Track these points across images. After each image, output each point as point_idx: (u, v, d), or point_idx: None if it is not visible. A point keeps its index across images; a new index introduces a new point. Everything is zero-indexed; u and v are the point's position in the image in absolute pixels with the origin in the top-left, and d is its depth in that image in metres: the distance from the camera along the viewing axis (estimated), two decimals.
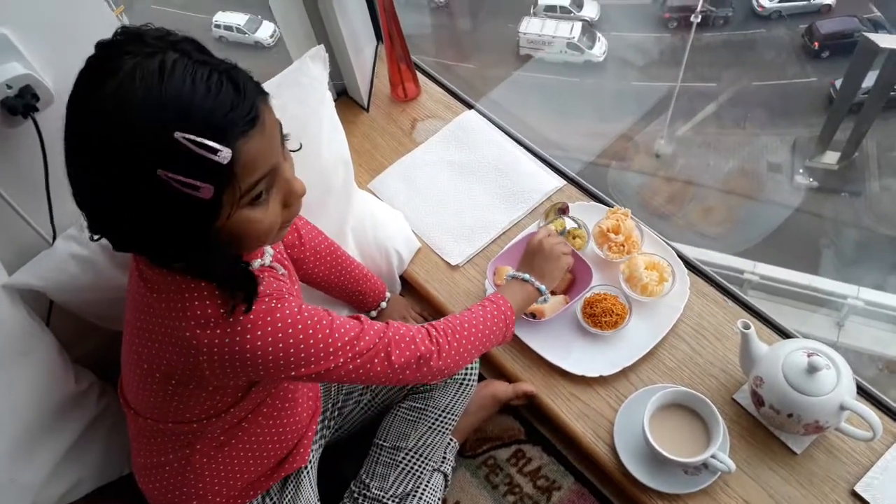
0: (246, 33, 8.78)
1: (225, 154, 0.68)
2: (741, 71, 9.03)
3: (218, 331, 0.80)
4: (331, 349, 0.87)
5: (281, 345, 0.83)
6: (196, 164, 0.68)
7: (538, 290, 1.16)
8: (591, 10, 9.68)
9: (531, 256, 1.19)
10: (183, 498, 1.02)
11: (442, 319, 1.02)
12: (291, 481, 1.11)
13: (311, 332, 0.85)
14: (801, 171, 8.12)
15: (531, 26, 9.35)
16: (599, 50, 9.31)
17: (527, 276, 1.16)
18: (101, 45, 0.73)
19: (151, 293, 0.83)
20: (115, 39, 0.72)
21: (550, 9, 9.67)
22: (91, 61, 0.72)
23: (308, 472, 1.15)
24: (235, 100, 0.70)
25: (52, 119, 1.04)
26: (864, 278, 6.59)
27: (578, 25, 9.29)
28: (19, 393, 1.12)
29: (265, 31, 8.77)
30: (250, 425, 0.99)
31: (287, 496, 1.10)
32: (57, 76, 1.04)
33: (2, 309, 1.08)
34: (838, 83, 8.27)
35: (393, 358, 0.92)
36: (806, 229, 7.59)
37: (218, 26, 8.84)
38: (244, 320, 0.81)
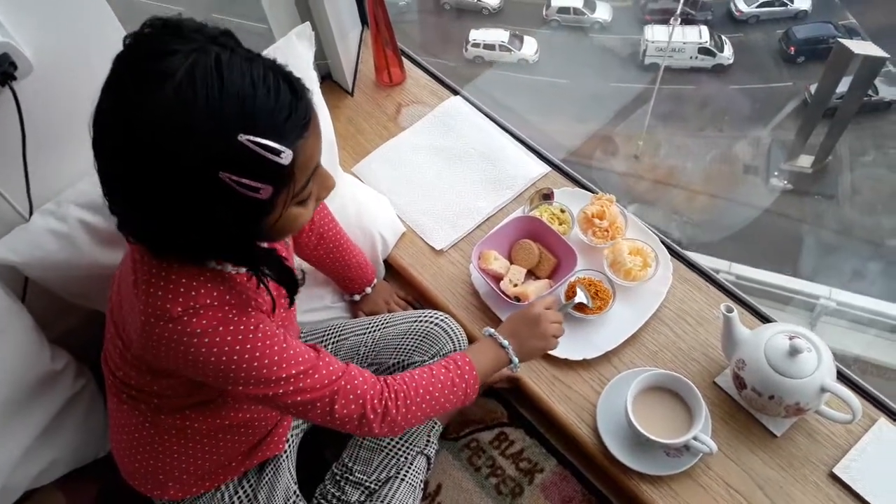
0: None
1: (287, 155, 0.69)
2: (719, 74, 9.15)
3: (178, 327, 0.79)
4: (273, 377, 0.83)
5: (224, 357, 0.80)
6: (257, 165, 0.68)
7: (510, 361, 1.05)
8: (603, 12, 9.77)
9: (522, 324, 1.07)
10: (151, 472, 1.02)
11: (400, 377, 0.95)
12: (270, 466, 1.10)
13: (258, 353, 0.82)
14: (776, 173, 8.25)
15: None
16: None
17: (506, 343, 1.04)
18: (138, 40, 0.70)
19: (142, 278, 0.81)
20: (152, 33, 0.70)
21: (564, 10, 9.75)
22: (134, 58, 0.69)
23: (287, 457, 1.14)
24: (294, 101, 0.71)
25: (31, 89, 1.03)
26: (837, 279, 6.70)
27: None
28: None
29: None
30: (219, 408, 0.98)
31: (265, 480, 1.09)
32: (36, 46, 1.02)
33: None
34: (813, 88, 8.41)
35: (336, 407, 0.88)
36: (780, 231, 7.71)
37: None
38: (200, 323, 0.79)
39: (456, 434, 1.31)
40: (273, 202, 0.72)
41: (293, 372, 0.85)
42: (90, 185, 1.14)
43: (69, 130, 1.10)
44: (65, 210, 1.11)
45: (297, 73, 1.28)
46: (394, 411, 0.91)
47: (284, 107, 0.69)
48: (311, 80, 1.33)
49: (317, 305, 1.38)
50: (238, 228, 0.73)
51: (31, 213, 1.13)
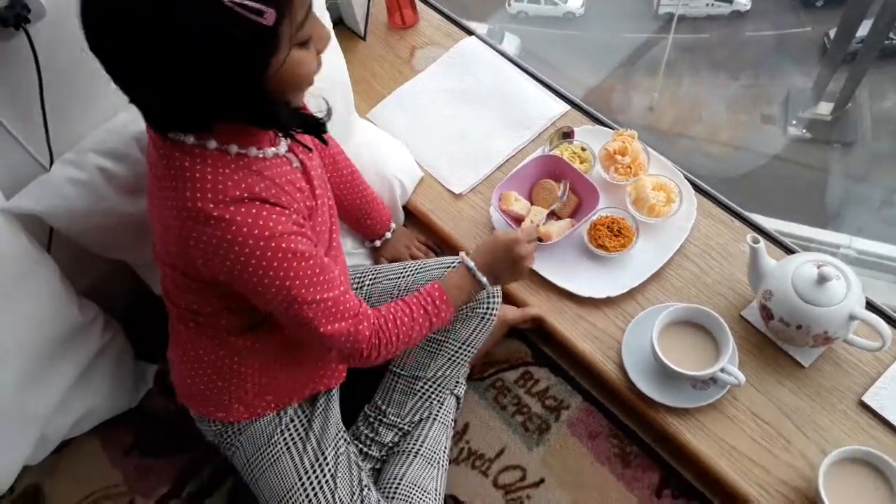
0: None
1: None
2: (735, 21, 8.93)
3: (212, 222, 0.79)
4: (297, 295, 0.85)
5: (255, 259, 0.81)
6: None
7: (480, 284, 1.06)
8: None
9: (495, 253, 1.06)
10: (218, 394, 1.04)
11: (387, 323, 0.97)
12: (323, 397, 1.12)
13: (286, 265, 0.83)
14: (794, 122, 8.10)
15: None
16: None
17: (484, 280, 1.05)
18: None
19: (165, 175, 0.82)
20: None
21: None
22: None
23: (337, 392, 1.15)
24: None
25: (45, 33, 1.01)
26: (856, 227, 6.63)
27: None
28: (24, 321, 1.11)
29: None
30: (278, 335, 1.00)
31: (318, 410, 1.11)
32: None
33: (2, 237, 1.06)
34: (832, 33, 8.20)
35: (336, 345, 0.91)
36: (799, 179, 7.60)
37: None
38: (233, 217, 0.79)
39: (481, 374, 1.32)
40: (278, 33, 0.72)
41: (318, 297, 0.86)
42: (108, 132, 1.13)
43: (86, 75, 1.09)
44: (84, 158, 1.11)
45: None
46: (374, 356, 0.96)
47: None
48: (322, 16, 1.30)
49: None
50: (250, 67, 0.73)
51: (51, 163, 1.12)
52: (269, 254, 0.81)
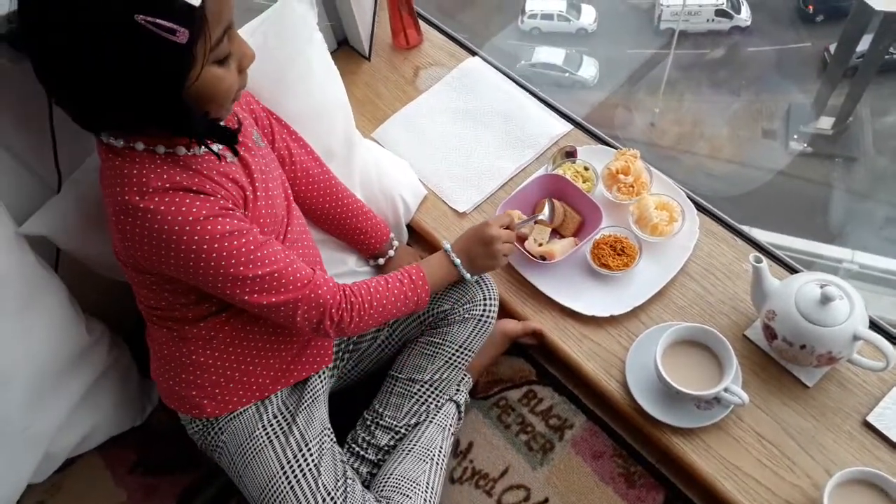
0: None
1: None
2: (736, 36, 8.97)
3: (138, 213, 0.84)
4: (237, 274, 0.89)
5: (184, 246, 0.85)
6: (170, 8, 0.71)
7: (460, 274, 1.12)
8: None
9: (475, 242, 1.12)
10: (185, 389, 1.05)
11: (358, 286, 1.01)
12: (308, 393, 1.11)
13: (216, 245, 0.86)
14: (795, 136, 8.11)
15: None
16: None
17: (458, 262, 1.11)
18: None
19: (104, 174, 0.88)
20: None
21: None
22: None
23: (323, 391, 1.15)
24: None
25: None
26: (859, 242, 6.62)
27: None
28: (33, 341, 1.11)
29: None
30: (239, 315, 1.02)
31: (304, 405, 1.10)
32: None
33: (12, 257, 1.07)
34: (833, 48, 8.23)
35: (298, 313, 0.94)
36: (801, 194, 7.60)
37: None
38: (155, 206, 0.83)
39: (485, 393, 1.32)
40: (191, 50, 0.75)
41: (259, 273, 0.90)
42: None
43: None
44: (93, 177, 1.12)
45: (297, 35, 1.29)
46: (347, 320, 0.98)
47: None
48: (315, 42, 1.31)
49: (341, 270, 1.38)
50: (163, 82, 0.76)
51: (59, 185, 1.13)
52: (196, 238, 0.85)
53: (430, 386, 1.17)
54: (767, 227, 6.62)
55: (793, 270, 1.31)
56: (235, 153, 0.94)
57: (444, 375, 1.17)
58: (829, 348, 1.11)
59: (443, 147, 1.57)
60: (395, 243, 1.40)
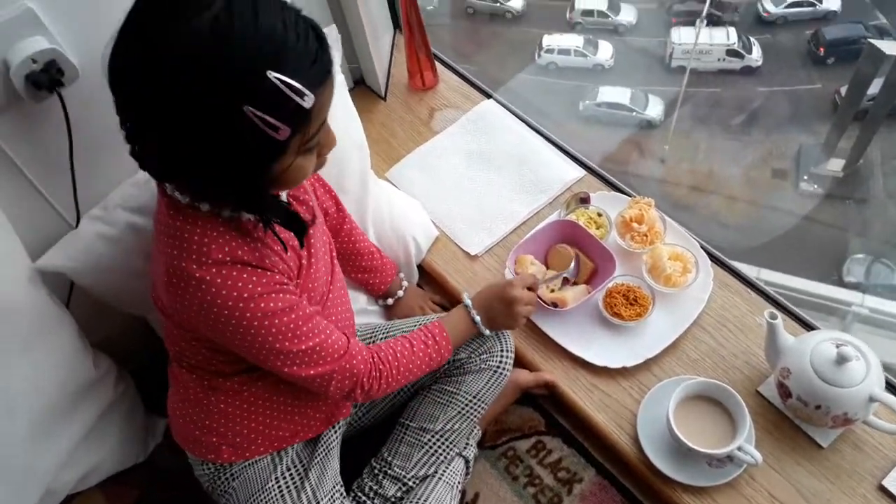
0: None
1: (310, 99, 0.71)
2: (747, 76, 9.03)
3: (192, 282, 0.82)
4: (281, 348, 0.88)
5: (234, 318, 0.84)
6: (280, 105, 0.70)
7: (480, 331, 1.13)
8: (628, 15, 9.66)
9: (496, 301, 1.12)
10: (206, 434, 1.04)
11: (386, 353, 1.01)
12: (322, 447, 1.10)
13: (266, 322, 0.86)
14: (805, 177, 8.11)
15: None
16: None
17: (478, 319, 1.11)
18: None
19: (162, 232, 0.86)
20: None
21: (588, 13, 9.66)
22: None
23: (337, 444, 1.15)
24: (319, 49, 0.73)
25: (78, 95, 1.04)
26: (869, 286, 6.58)
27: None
28: (40, 376, 1.11)
29: None
30: (273, 375, 1.00)
31: (317, 459, 1.09)
32: (82, 52, 1.03)
33: (24, 292, 1.07)
34: (843, 90, 8.27)
35: (332, 384, 0.95)
36: (810, 235, 7.58)
37: None
38: (213, 278, 0.82)
39: (493, 442, 1.30)
40: (287, 145, 0.74)
41: (302, 347, 0.90)
42: (135, 187, 1.15)
43: (115, 136, 1.10)
44: (112, 214, 1.13)
45: None
46: (376, 387, 1.00)
47: (311, 52, 0.72)
48: (340, 83, 1.33)
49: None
50: (250, 168, 0.75)
51: (77, 221, 1.14)
52: (248, 314, 0.84)
53: (441, 437, 1.15)
54: (776, 266, 6.59)
55: (808, 326, 1.30)
56: (302, 244, 0.94)
57: (456, 426, 1.16)
58: (845, 409, 1.09)
59: (456, 189, 1.57)
60: (405, 284, 1.40)
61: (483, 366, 1.15)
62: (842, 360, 1.08)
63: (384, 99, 1.76)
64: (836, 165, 8.04)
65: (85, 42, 1.04)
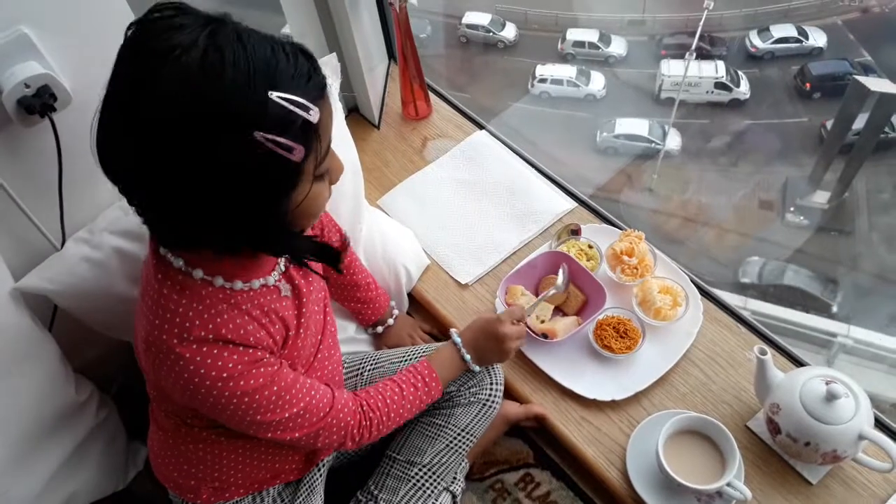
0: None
1: (315, 113, 0.70)
2: (735, 109, 9.16)
3: (171, 356, 0.79)
4: (263, 420, 0.86)
5: (213, 395, 0.81)
6: (288, 123, 0.69)
7: (469, 368, 1.12)
8: (619, 47, 9.81)
9: (484, 338, 1.11)
10: (185, 476, 1.02)
11: (375, 401, 1.00)
12: (304, 487, 1.09)
13: (247, 399, 0.83)
14: (792, 209, 8.20)
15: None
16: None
17: (468, 358, 1.10)
18: (147, 24, 0.69)
19: (148, 295, 0.83)
20: (160, 17, 0.69)
21: (579, 44, 9.80)
22: (147, 38, 0.69)
23: (320, 483, 1.13)
24: (310, 66, 0.73)
25: (69, 120, 1.03)
26: (854, 317, 6.62)
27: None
28: (19, 400, 1.09)
29: None
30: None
31: (299, 500, 1.08)
32: (76, 78, 1.03)
33: (6, 314, 1.05)
34: (829, 124, 8.41)
35: (320, 440, 0.94)
36: (796, 266, 7.64)
37: None
38: (192, 357, 0.79)
39: (480, 474, 1.29)
40: (302, 169, 0.73)
41: (283, 416, 0.87)
42: (121, 211, 1.15)
43: None
44: (98, 238, 1.12)
45: None
46: (367, 436, 0.99)
47: (304, 69, 0.72)
48: (337, 111, 1.34)
49: (341, 336, 1.35)
50: (272, 202, 0.73)
51: (63, 243, 1.13)
52: (226, 393, 0.82)
53: (429, 470, 1.14)
54: (760, 297, 6.65)
55: (797, 362, 1.30)
56: (339, 272, 0.94)
57: (444, 460, 1.14)
58: (835, 447, 1.08)
59: (447, 218, 1.57)
60: (396, 312, 1.39)
61: (472, 399, 1.14)
62: (831, 397, 1.08)
63: (378, 127, 1.77)
64: (821, 198, 8.15)
65: (79, 67, 1.03)
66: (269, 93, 0.67)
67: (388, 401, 1.01)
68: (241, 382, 0.82)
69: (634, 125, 8.79)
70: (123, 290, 1.13)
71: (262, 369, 0.84)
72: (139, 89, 0.67)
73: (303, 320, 0.94)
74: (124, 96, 0.69)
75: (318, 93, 0.73)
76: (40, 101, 0.98)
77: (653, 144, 8.65)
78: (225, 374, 0.80)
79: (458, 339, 1.11)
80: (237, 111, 0.67)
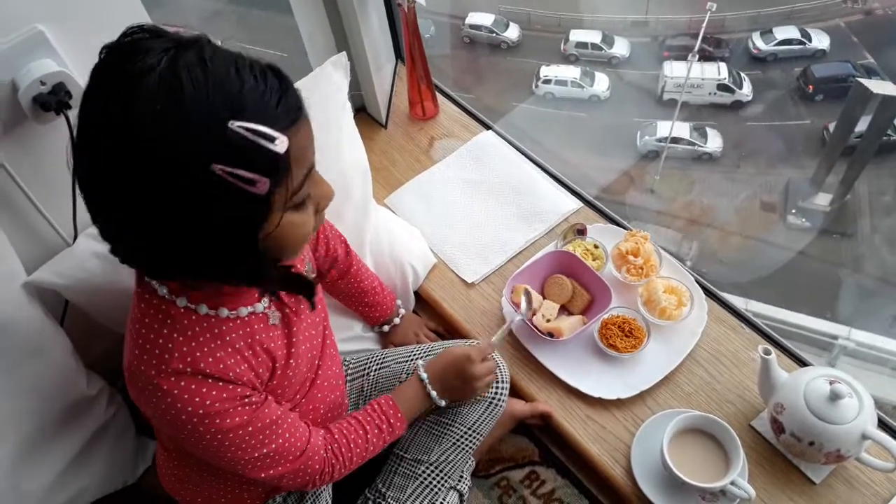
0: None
1: (282, 142, 0.64)
2: (737, 110, 9.17)
3: (149, 387, 0.78)
4: (234, 458, 0.85)
5: (188, 428, 0.80)
6: (252, 155, 0.64)
7: (435, 404, 1.10)
8: (621, 48, 9.82)
9: (452, 375, 1.08)
10: (190, 490, 1.03)
11: (339, 443, 0.98)
12: (310, 497, 1.10)
13: (220, 436, 0.82)
14: (794, 211, 8.20)
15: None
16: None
17: (434, 394, 1.08)
18: (116, 47, 0.67)
19: (133, 320, 0.82)
20: (130, 40, 0.67)
21: (582, 45, 9.81)
22: (112, 62, 0.66)
23: (326, 490, 1.14)
24: (282, 88, 0.68)
25: None
26: (855, 319, 6.62)
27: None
28: (31, 394, 1.11)
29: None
30: None
31: (307, 501, 1.09)
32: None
33: (19, 307, 1.07)
34: (832, 126, 8.41)
35: (284, 482, 0.93)
36: (798, 268, 7.64)
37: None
38: (169, 389, 0.78)
39: (486, 471, 1.30)
40: (270, 200, 0.67)
41: (255, 455, 0.86)
42: None
43: None
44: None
45: (332, 102, 1.32)
46: (327, 479, 0.97)
47: (274, 92, 0.66)
48: (346, 110, 1.36)
49: (348, 335, 1.38)
50: (239, 234, 0.68)
51: (75, 238, 1.14)
52: (201, 429, 0.80)
53: (436, 468, 1.15)
54: (763, 298, 6.64)
55: (801, 362, 1.31)
56: (313, 306, 0.90)
57: (451, 458, 1.15)
58: (838, 446, 1.09)
59: (453, 217, 1.58)
60: (402, 311, 1.40)
61: (479, 398, 1.15)
62: (835, 396, 1.09)
63: (385, 127, 1.78)
64: (823, 200, 8.15)
65: (92, 65, 1.04)
66: (230, 122, 0.62)
67: (352, 445, 0.99)
68: (217, 421, 0.80)
69: (677, 128, 8.80)
70: (132, 285, 1.14)
71: (240, 408, 0.82)
72: (100, 115, 0.65)
73: (293, 349, 0.92)
74: (89, 120, 0.66)
75: (291, 116, 0.68)
76: (56, 98, 0.99)
77: (695, 147, 8.66)
78: (201, 411, 0.79)
79: (425, 375, 1.08)
80: (194, 142, 0.63)
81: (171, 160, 0.63)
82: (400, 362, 1.23)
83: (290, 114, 0.68)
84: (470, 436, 1.15)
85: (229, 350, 0.82)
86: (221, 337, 0.82)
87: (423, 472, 1.14)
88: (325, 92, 1.31)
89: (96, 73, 0.67)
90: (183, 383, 0.78)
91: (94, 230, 1.11)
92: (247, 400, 0.83)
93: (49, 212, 1.13)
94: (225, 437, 0.82)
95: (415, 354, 1.23)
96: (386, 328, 1.39)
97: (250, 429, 0.84)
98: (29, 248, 1.13)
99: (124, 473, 1.31)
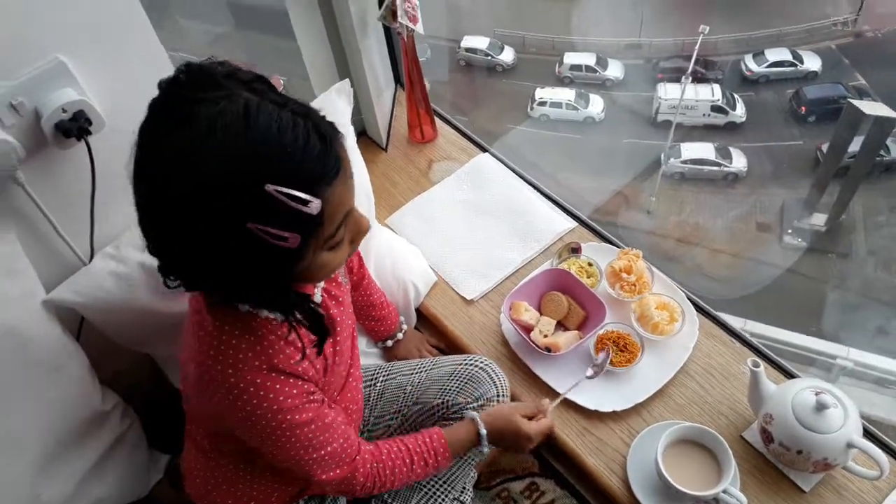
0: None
1: (315, 205, 0.69)
2: (731, 131, 9.26)
3: (224, 388, 0.83)
4: (296, 455, 0.90)
5: (262, 424, 0.85)
6: (285, 215, 0.68)
7: (481, 448, 1.14)
8: (616, 70, 9.93)
9: (511, 435, 1.14)
10: (220, 494, 1.06)
11: (384, 464, 1.02)
12: (329, 500, 1.14)
13: (288, 433, 0.87)
14: (789, 231, 8.26)
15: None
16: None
17: (486, 451, 1.14)
18: (168, 85, 0.71)
19: (201, 330, 0.86)
20: (182, 79, 0.70)
21: (576, 67, 9.93)
22: (165, 104, 0.71)
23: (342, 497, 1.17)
24: (322, 149, 0.71)
25: (102, 143, 1.10)
26: (854, 339, 6.65)
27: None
28: (50, 408, 1.14)
29: None
30: None
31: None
32: (108, 103, 1.10)
33: (38, 325, 1.11)
34: (825, 147, 8.49)
35: (329, 489, 0.98)
36: (794, 288, 7.68)
37: None
38: (246, 388, 0.83)
39: (487, 483, 1.33)
40: (302, 250, 0.73)
41: (319, 454, 0.92)
42: None
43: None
44: (124, 253, 1.18)
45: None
46: (367, 492, 1.02)
47: (313, 155, 0.69)
48: (349, 135, 1.41)
49: None
50: (268, 274, 0.74)
51: (91, 258, 1.19)
52: (273, 424, 0.85)
53: (440, 480, 1.19)
54: (760, 319, 6.67)
55: (789, 374, 1.35)
56: (320, 352, 0.91)
57: (455, 470, 1.19)
58: (825, 455, 1.13)
59: (452, 236, 1.63)
60: (405, 327, 1.45)
61: (480, 410, 1.19)
62: (821, 406, 1.13)
63: (385, 150, 1.84)
64: (818, 220, 8.20)
65: (111, 95, 1.10)
66: (266, 185, 0.66)
67: (397, 470, 1.03)
68: (289, 417, 0.86)
69: (701, 149, 8.92)
70: (146, 303, 1.18)
71: (307, 404, 0.88)
72: (150, 156, 0.71)
73: (337, 347, 0.98)
74: (141, 157, 0.72)
75: (330, 174, 0.72)
76: (77, 125, 1.05)
77: (720, 167, 8.74)
78: (276, 407, 0.84)
79: (484, 431, 1.12)
80: (232, 200, 0.67)
81: (207, 214, 0.68)
82: (406, 374, 1.27)
83: (329, 173, 0.72)
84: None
85: (292, 349, 0.87)
86: (283, 337, 0.86)
87: (427, 483, 1.18)
88: (330, 117, 1.36)
89: (151, 109, 0.72)
90: (259, 380, 0.83)
91: (110, 249, 1.19)
92: (313, 397, 0.89)
93: (67, 232, 1.18)
94: (293, 433, 0.87)
95: (421, 367, 1.28)
96: (389, 343, 1.43)
97: (313, 427, 0.89)
98: (48, 267, 1.17)
99: (139, 485, 1.35)
